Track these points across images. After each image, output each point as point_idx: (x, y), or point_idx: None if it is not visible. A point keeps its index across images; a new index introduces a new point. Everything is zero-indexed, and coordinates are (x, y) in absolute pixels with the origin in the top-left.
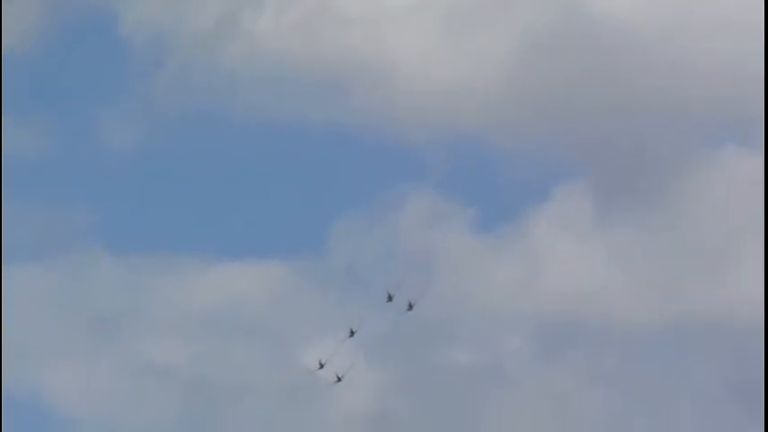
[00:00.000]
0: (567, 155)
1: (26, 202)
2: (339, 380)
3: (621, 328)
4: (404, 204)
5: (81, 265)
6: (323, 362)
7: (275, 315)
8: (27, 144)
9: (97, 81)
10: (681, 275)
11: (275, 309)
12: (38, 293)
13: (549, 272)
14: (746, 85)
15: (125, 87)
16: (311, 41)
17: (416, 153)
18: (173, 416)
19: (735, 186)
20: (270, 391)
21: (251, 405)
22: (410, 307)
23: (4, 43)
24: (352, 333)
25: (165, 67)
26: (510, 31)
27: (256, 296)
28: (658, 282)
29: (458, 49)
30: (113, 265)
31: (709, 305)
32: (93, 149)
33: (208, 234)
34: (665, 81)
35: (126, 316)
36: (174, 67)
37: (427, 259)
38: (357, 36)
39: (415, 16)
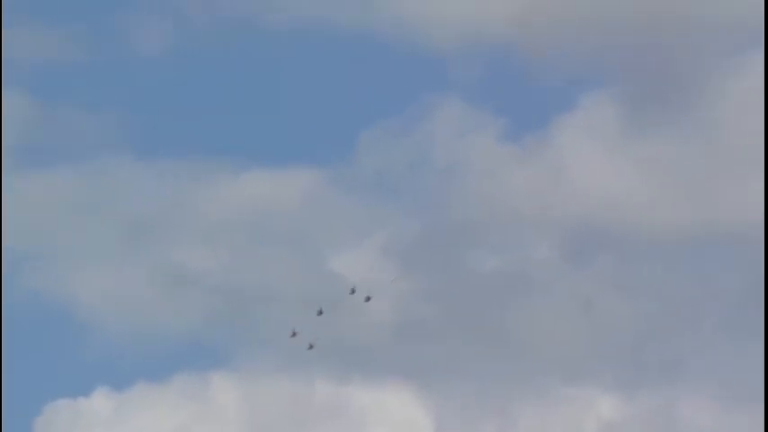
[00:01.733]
0: (595, 64)
1: (56, 107)
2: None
3: (648, 236)
4: (433, 114)
5: (110, 171)
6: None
7: (305, 222)
8: (57, 50)
9: None
10: (707, 185)
11: (305, 216)
12: (67, 198)
13: (576, 180)
14: None
15: None
16: None
17: (445, 63)
18: (203, 322)
19: (763, 96)
20: (300, 298)
21: (281, 312)
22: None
23: None
24: (354, 291)
25: None
26: None
27: (286, 203)
28: (685, 191)
29: None
30: (143, 171)
31: (736, 214)
32: (123, 55)
33: (238, 141)
34: None
35: (155, 222)
36: None
37: (455, 167)
38: None
39: None
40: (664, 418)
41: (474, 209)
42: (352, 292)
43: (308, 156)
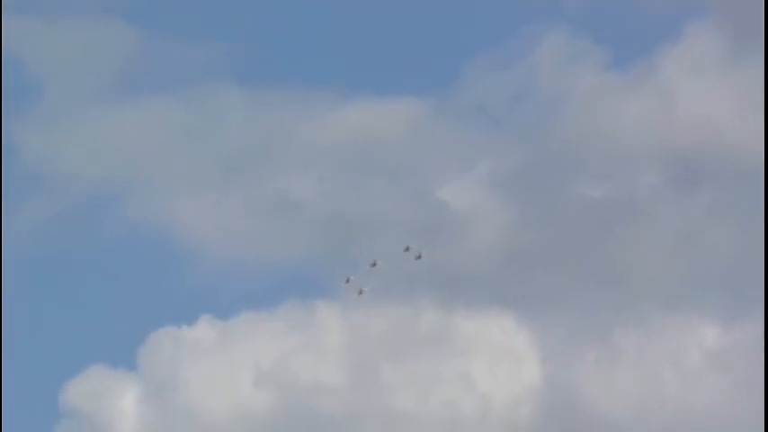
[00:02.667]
0: None
1: (158, 35)
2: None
3: (752, 164)
4: (538, 43)
5: (212, 100)
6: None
7: (408, 151)
8: None
9: None
10: None
11: (408, 144)
12: (169, 128)
13: (681, 108)
14: None
15: None
16: None
17: None
18: (307, 251)
19: None
20: (402, 225)
21: (383, 239)
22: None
23: None
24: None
25: None
26: None
27: (390, 132)
28: None
29: None
30: (245, 100)
31: None
32: None
33: (342, 70)
34: None
35: (258, 151)
36: None
37: (559, 96)
38: None
39: None
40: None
41: (578, 138)
42: (373, 265)
43: (412, 85)
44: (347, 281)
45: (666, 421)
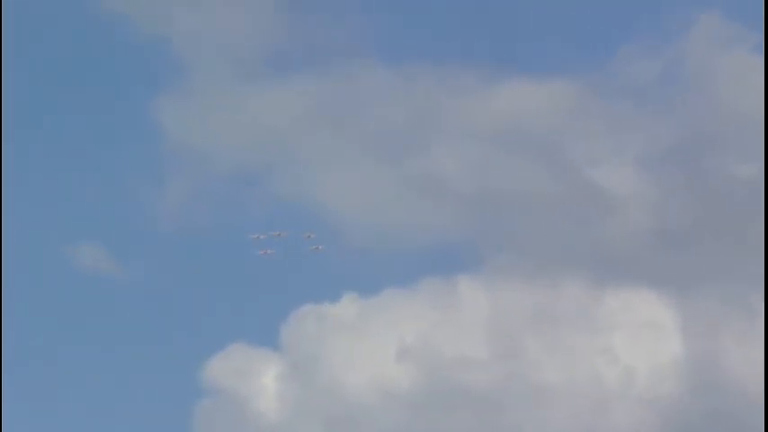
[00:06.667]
0: None
1: (301, 12)
2: None
3: None
4: (689, 28)
5: (357, 76)
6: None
7: (557, 131)
8: None
9: None
10: None
11: (557, 125)
12: (312, 105)
13: None
14: None
15: None
16: None
17: None
18: (451, 227)
19: None
20: (553, 205)
21: (532, 219)
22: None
23: None
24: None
25: None
26: None
27: (538, 112)
28: None
29: None
30: (390, 77)
31: None
32: None
33: (491, 49)
34: None
35: (404, 129)
36: None
37: (710, 80)
38: None
39: None
40: None
41: (727, 119)
42: (278, 234)
43: (562, 66)
44: (256, 237)
45: None
